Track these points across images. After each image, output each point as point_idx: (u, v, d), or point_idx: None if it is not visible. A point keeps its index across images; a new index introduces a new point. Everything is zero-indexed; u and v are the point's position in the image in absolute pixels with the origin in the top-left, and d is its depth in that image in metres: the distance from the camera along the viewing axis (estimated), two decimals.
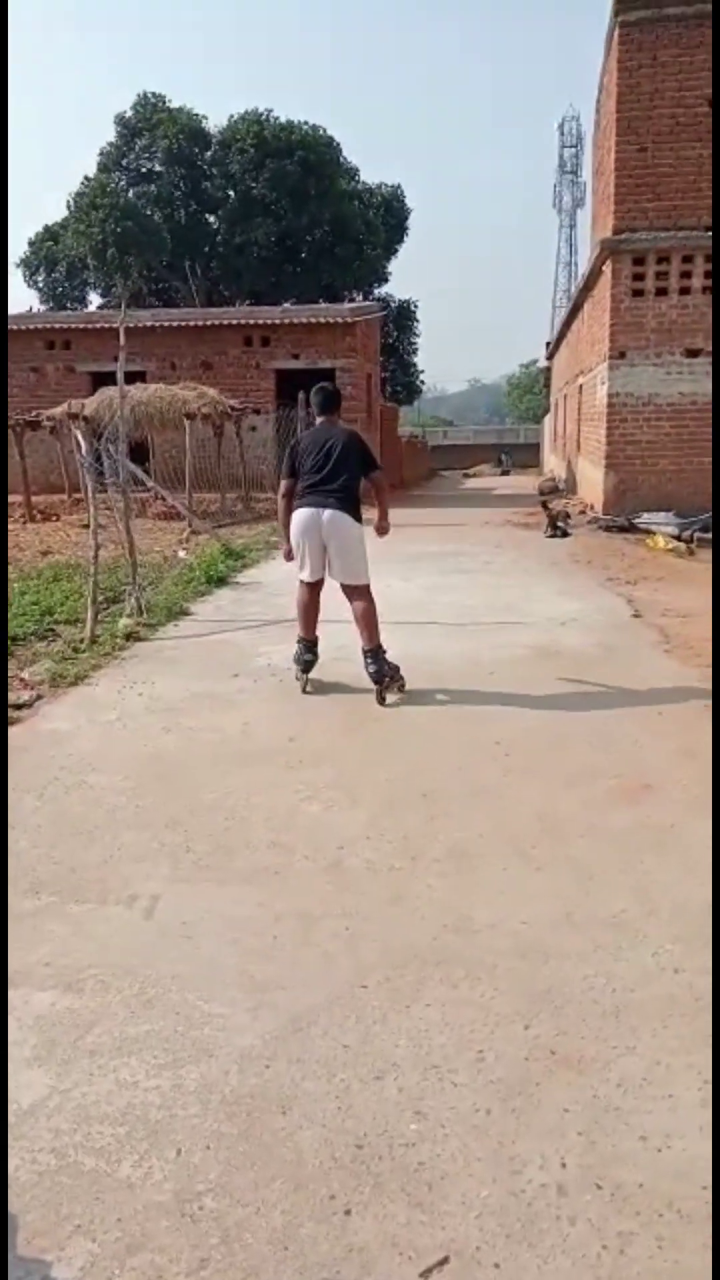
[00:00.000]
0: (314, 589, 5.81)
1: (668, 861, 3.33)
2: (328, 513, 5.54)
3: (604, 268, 13.39)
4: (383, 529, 6.07)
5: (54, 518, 15.86)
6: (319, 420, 5.88)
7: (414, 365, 40.21)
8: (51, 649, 6.52)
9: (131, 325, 19.53)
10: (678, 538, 11.94)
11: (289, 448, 5.94)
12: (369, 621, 5.60)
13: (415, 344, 39.92)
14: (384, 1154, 1.99)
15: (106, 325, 19.88)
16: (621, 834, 3.55)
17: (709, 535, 12.15)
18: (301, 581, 5.79)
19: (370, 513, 5.80)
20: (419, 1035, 2.39)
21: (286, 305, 20.70)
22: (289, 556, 5.81)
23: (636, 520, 12.76)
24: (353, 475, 5.65)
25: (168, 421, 14.65)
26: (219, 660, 6.30)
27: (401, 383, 39.67)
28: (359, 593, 5.70)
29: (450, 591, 8.71)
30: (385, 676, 5.39)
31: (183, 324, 19.51)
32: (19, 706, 5.15)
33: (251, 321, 19.38)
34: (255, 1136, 2.05)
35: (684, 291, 12.68)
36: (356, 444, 5.74)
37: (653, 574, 9.61)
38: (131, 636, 6.88)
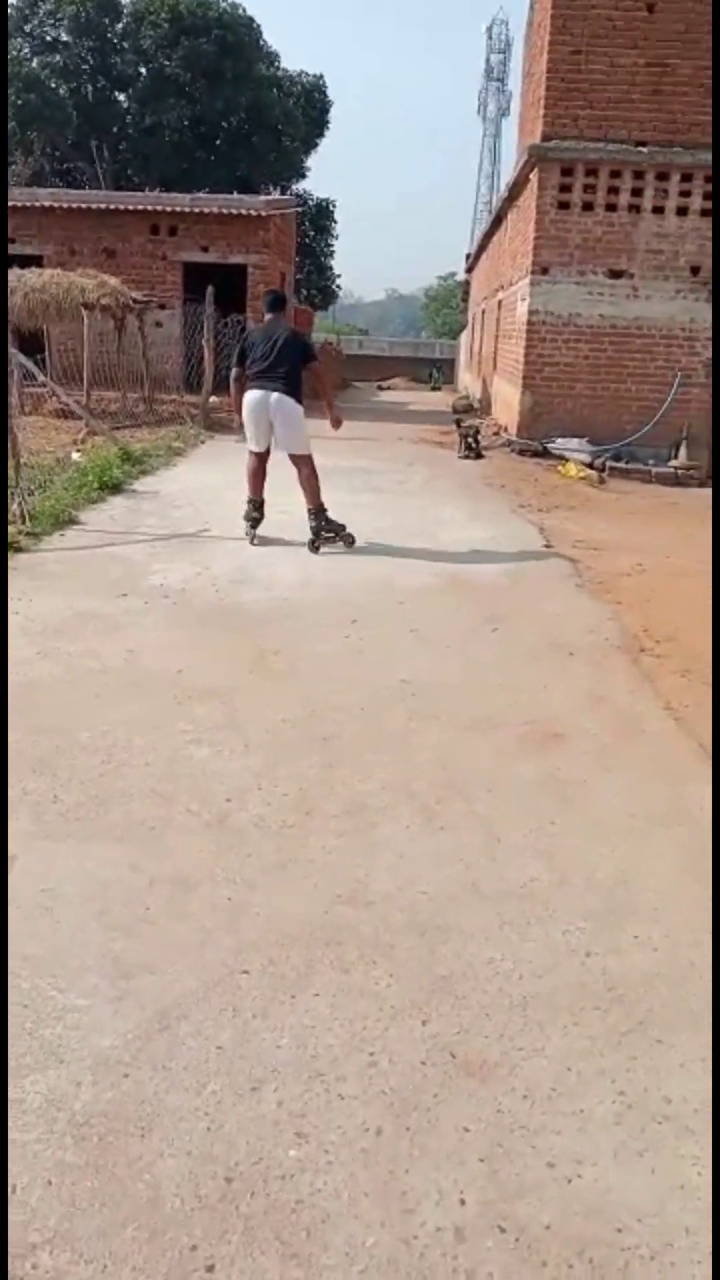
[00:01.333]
0: (261, 458, 7.04)
1: (578, 822, 3.11)
2: (274, 395, 6.66)
3: (530, 176, 12.80)
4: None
5: None
6: (267, 317, 7.04)
7: (331, 269, 38.78)
8: None
9: (28, 205, 18.17)
10: (590, 465, 11.76)
11: (240, 340, 7.16)
12: (312, 485, 6.86)
13: (333, 246, 38.43)
14: (258, 1189, 1.71)
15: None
16: (530, 788, 3.32)
17: (620, 464, 12.01)
18: (251, 452, 7.04)
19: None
20: (304, 1033, 2.12)
21: (198, 195, 19.44)
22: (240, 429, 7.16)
23: (550, 445, 12.50)
24: (295, 365, 6.73)
25: (64, 311, 13.63)
26: (106, 576, 5.82)
27: (317, 286, 38.24)
28: (303, 460, 6.89)
29: (361, 510, 8.29)
30: (321, 532, 6.79)
31: (84, 206, 18.12)
32: None
33: (159, 208, 18.12)
34: (106, 1168, 1.75)
35: (610, 208, 12.22)
36: (298, 339, 6.98)
37: (564, 502, 9.39)
38: (10, 546, 6.32)
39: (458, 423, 13.73)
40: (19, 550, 6.29)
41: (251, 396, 6.72)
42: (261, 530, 6.98)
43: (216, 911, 2.54)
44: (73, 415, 13.03)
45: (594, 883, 2.78)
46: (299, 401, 6.73)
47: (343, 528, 6.87)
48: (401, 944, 2.45)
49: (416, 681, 4.27)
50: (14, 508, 6.99)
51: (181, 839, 2.89)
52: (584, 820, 3.13)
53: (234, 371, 6.94)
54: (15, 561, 6.06)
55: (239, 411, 6.93)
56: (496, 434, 14.40)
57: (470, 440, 12.85)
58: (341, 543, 6.82)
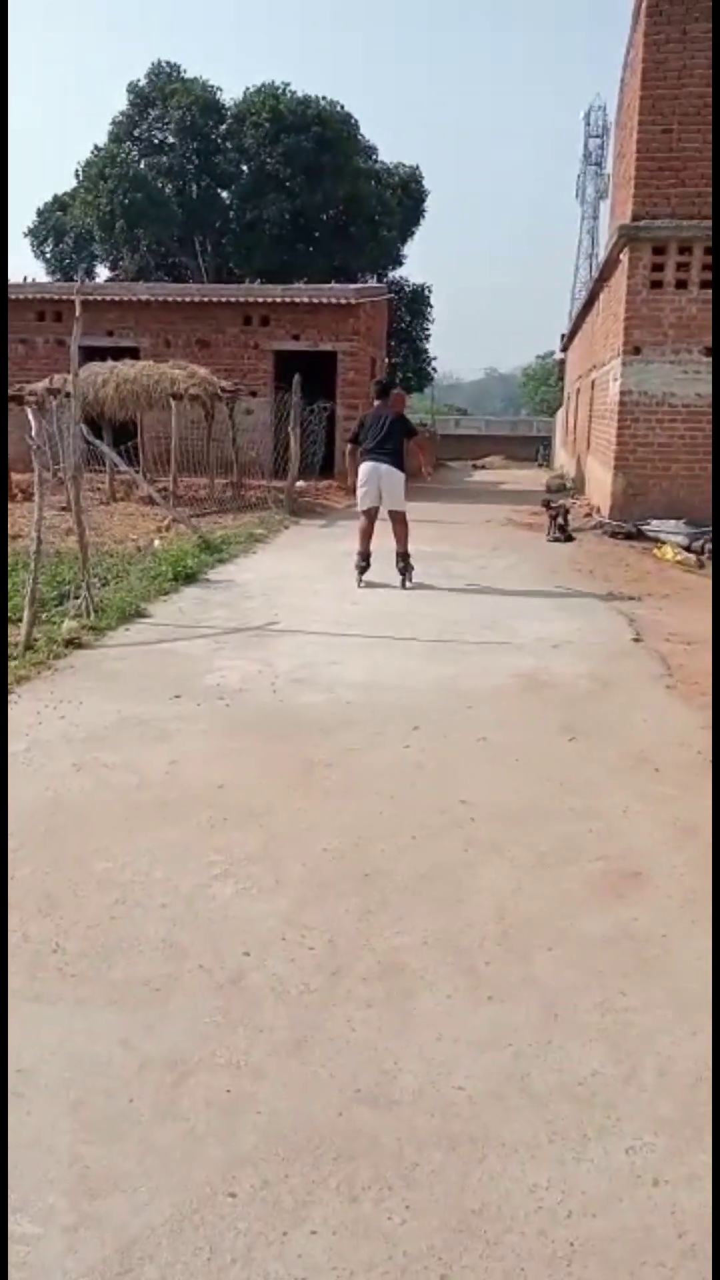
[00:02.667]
0: (370, 516, 8.89)
1: (655, 996, 2.63)
2: (384, 466, 8.73)
3: (621, 256, 12.60)
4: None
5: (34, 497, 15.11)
6: (376, 403, 9.18)
7: (426, 351, 39.26)
8: None
9: (127, 299, 18.86)
10: (687, 548, 11.21)
11: (358, 420, 9.39)
12: (403, 534, 8.83)
13: (428, 329, 38.96)
14: None
15: (101, 298, 19.11)
16: (599, 946, 2.85)
17: None
18: (362, 511, 8.95)
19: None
20: None
21: (290, 285, 19.87)
22: (353, 491, 9.34)
23: (645, 527, 12.02)
24: (399, 441, 8.86)
25: (155, 401, 13.90)
26: (164, 675, 5.59)
27: (413, 369, 38.72)
28: (399, 516, 8.84)
29: (435, 602, 8.00)
30: (409, 571, 8.80)
31: (179, 299, 18.69)
32: None
33: (251, 300, 18.56)
34: None
35: (705, 285, 11.88)
36: (402, 420, 9.12)
37: (658, 589, 8.87)
38: (73, 642, 6.17)
39: (546, 504, 13.35)
40: (80, 646, 6.14)
41: (365, 466, 8.79)
42: (368, 577, 8.83)
43: (211, 1109, 2.15)
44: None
45: (669, 1079, 2.30)
46: (402, 470, 8.87)
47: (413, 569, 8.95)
48: (427, 1162, 2.02)
49: (478, 803, 3.85)
50: (80, 601, 6.88)
51: (187, 1005, 2.52)
52: (661, 992, 2.64)
53: (349, 446, 9.21)
54: (75, 659, 5.90)
55: (353, 477, 9.11)
56: (588, 515, 13.98)
57: (560, 521, 12.47)
58: (409, 579, 8.81)
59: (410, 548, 8.83)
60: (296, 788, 3.96)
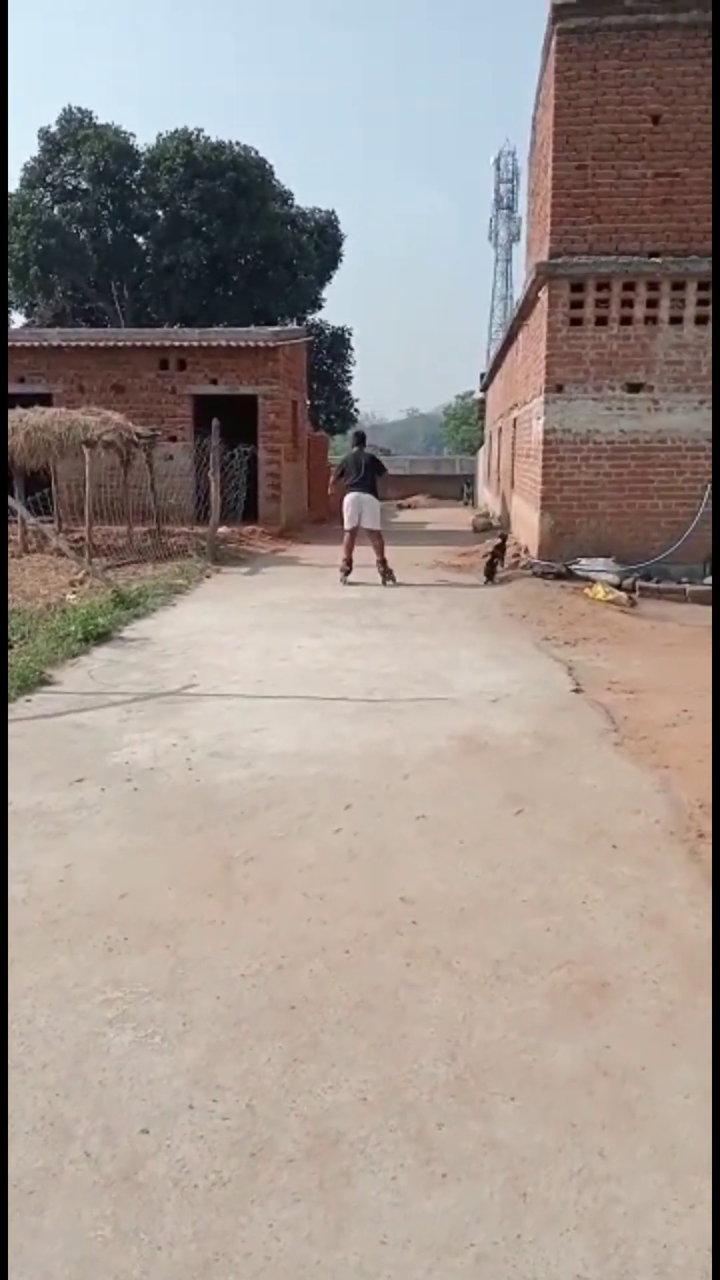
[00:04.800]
0: (353, 533, 11.98)
1: (640, 1154, 2.18)
2: (365, 495, 11.92)
3: (540, 294, 12.48)
4: (384, 497, 12.96)
5: None
6: (354, 449, 12.46)
7: (348, 394, 39.33)
8: None
9: (38, 344, 18.25)
10: (618, 586, 10.99)
11: (339, 464, 12.92)
12: (380, 548, 11.86)
13: (350, 372, 39.06)
14: None
15: (12, 344, 18.49)
16: (569, 1090, 2.40)
17: (652, 584, 11.25)
18: (346, 530, 12.02)
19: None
20: None
21: (206, 329, 19.49)
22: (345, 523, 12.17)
23: (574, 566, 11.78)
24: (373, 477, 12.06)
25: (67, 449, 13.32)
26: (66, 754, 5.04)
27: (336, 410, 38.72)
28: (377, 534, 11.98)
29: (366, 654, 7.56)
30: (390, 574, 11.77)
31: (93, 344, 18.14)
32: None
33: (167, 344, 18.08)
34: None
35: (625, 321, 11.79)
36: (375, 461, 12.32)
37: (594, 633, 8.58)
38: None
39: (496, 550, 12.78)
40: None
41: (350, 496, 11.96)
42: (353, 578, 11.90)
43: None
44: (78, 552, 12.54)
45: (668, 1273, 1.85)
46: (377, 497, 12.18)
47: (392, 573, 11.90)
48: None
49: (420, 900, 3.39)
50: None
51: (66, 1213, 2.00)
52: (647, 1148, 2.20)
53: (337, 483, 12.37)
54: None
55: (339, 505, 12.37)
56: (516, 556, 13.73)
57: (495, 561, 12.16)
58: (391, 580, 11.78)
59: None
60: (212, 893, 3.45)
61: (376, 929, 3.19)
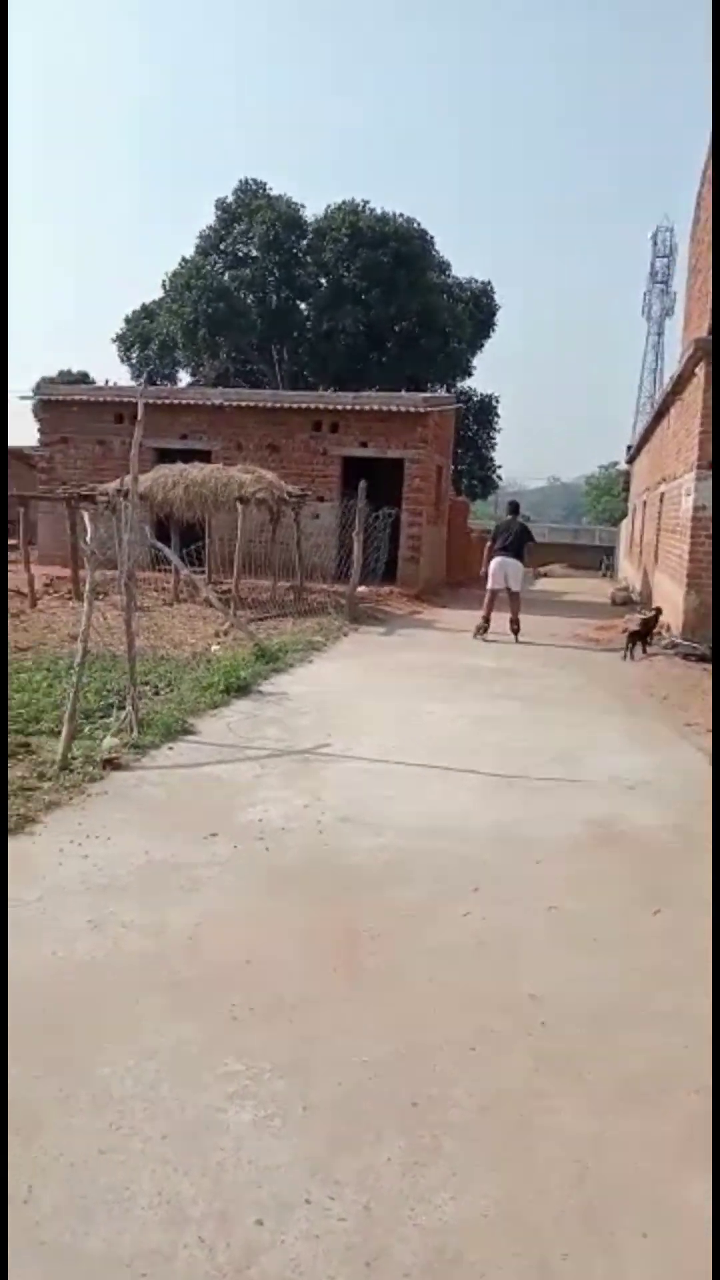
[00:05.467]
0: (494, 594, 13.04)
1: None
2: (510, 560, 13.03)
3: (696, 370, 12.29)
4: (528, 564, 14.05)
5: (103, 594, 14.93)
6: (507, 517, 13.96)
7: (491, 460, 39.47)
8: (14, 772, 5.41)
9: (201, 403, 19.09)
10: None
11: (494, 530, 14.02)
12: (516, 607, 13.04)
13: (494, 439, 39.23)
14: None
15: (176, 401, 19.38)
16: (702, 1229, 2.23)
17: None
18: (490, 590, 13.07)
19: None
20: None
21: (360, 394, 19.98)
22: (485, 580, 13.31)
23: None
24: (521, 543, 13.16)
25: (221, 504, 13.80)
26: (202, 807, 5.12)
27: (478, 476, 38.92)
28: (517, 595, 13.12)
29: (498, 727, 7.45)
30: (518, 630, 12.76)
31: (252, 404, 18.86)
32: None
33: (322, 406, 18.64)
34: None
35: None
36: (524, 529, 13.46)
37: None
38: (111, 762, 5.76)
39: (646, 623, 12.42)
40: (118, 768, 5.71)
41: (496, 560, 13.03)
42: (489, 635, 12.84)
43: None
44: (227, 604, 12.89)
45: None
46: (523, 562, 13.32)
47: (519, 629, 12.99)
48: None
49: (548, 998, 3.26)
50: (125, 714, 6.49)
51: None
52: None
53: (489, 549, 13.33)
54: (110, 782, 5.46)
55: (487, 567, 13.21)
56: (657, 633, 13.36)
57: (639, 638, 11.81)
58: (518, 637, 12.81)
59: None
60: (335, 970, 3.41)
61: (503, 1027, 3.07)
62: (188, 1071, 2.73)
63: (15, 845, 4.38)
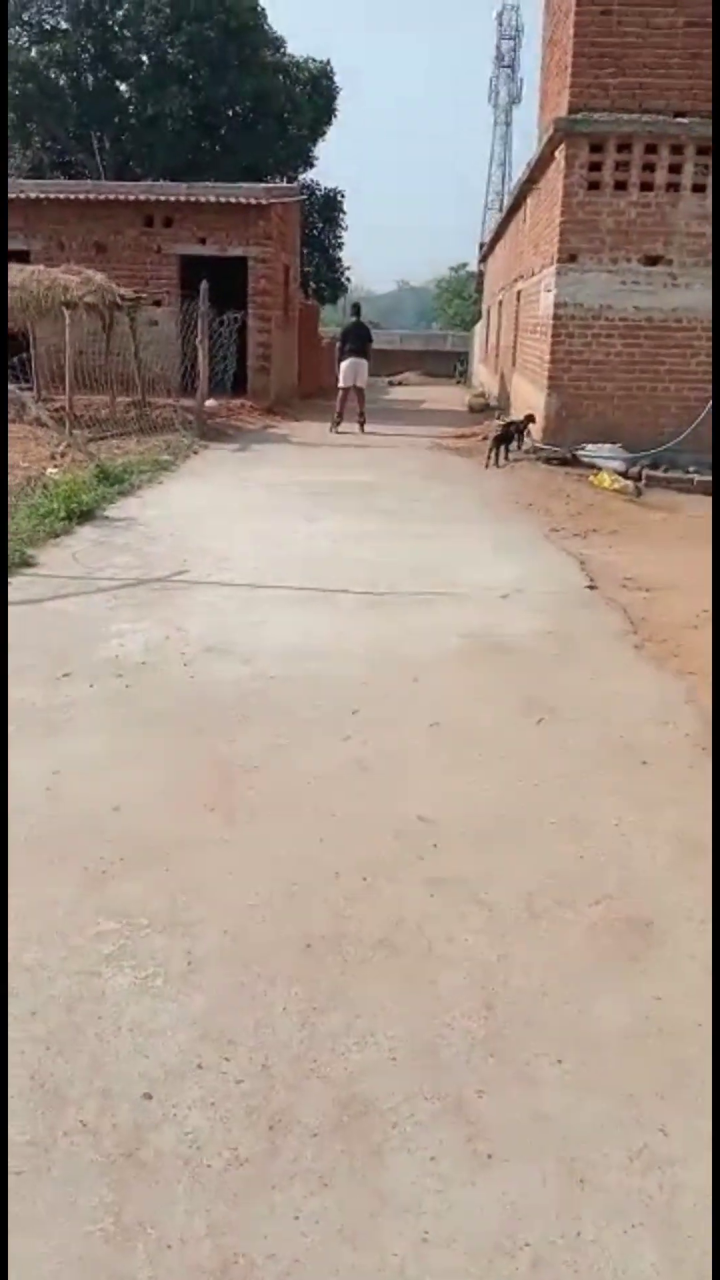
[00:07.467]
0: (346, 391, 14.73)
1: (702, 1129, 1.95)
2: (360, 360, 14.70)
3: (555, 153, 11.57)
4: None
5: None
6: (351, 319, 15.64)
7: (339, 261, 37.48)
8: None
9: (15, 196, 17.02)
10: (624, 474, 10.55)
11: (341, 334, 15.67)
12: (361, 401, 14.92)
13: (341, 238, 37.13)
14: None
15: None
16: (619, 1049, 2.16)
17: (659, 472, 10.80)
18: (340, 387, 14.81)
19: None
20: None
21: (194, 184, 18.20)
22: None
23: (579, 452, 11.28)
24: (365, 344, 15.02)
25: (46, 311, 12.49)
26: (51, 645, 4.68)
27: (326, 279, 36.95)
28: (361, 391, 14.89)
29: (365, 542, 7.17)
30: (364, 424, 14.77)
31: (73, 197, 16.92)
32: None
33: (152, 199, 16.87)
34: None
35: (646, 187, 10.97)
36: (367, 331, 15.47)
37: (602, 524, 8.19)
38: None
39: (510, 427, 12.01)
40: None
41: (346, 361, 14.60)
42: (341, 427, 14.60)
43: None
44: (61, 423, 11.91)
45: None
46: (368, 360, 14.99)
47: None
48: None
49: (439, 819, 3.12)
50: None
51: (61, 1200, 1.75)
52: (705, 1120, 1.97)
53: (340, 348, 15.02)
54: None
55: (338, 369, 14.87)
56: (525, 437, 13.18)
57: (503, 445, 11.51)
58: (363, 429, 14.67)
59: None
60: (213, 807, 3.16)
61: (395, 853, 2.91)
62: (55, 936, 2.46)
63: None
